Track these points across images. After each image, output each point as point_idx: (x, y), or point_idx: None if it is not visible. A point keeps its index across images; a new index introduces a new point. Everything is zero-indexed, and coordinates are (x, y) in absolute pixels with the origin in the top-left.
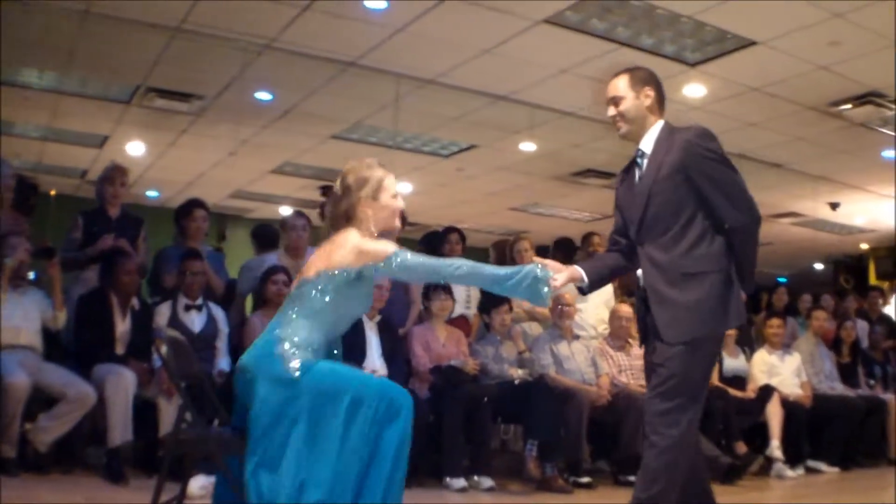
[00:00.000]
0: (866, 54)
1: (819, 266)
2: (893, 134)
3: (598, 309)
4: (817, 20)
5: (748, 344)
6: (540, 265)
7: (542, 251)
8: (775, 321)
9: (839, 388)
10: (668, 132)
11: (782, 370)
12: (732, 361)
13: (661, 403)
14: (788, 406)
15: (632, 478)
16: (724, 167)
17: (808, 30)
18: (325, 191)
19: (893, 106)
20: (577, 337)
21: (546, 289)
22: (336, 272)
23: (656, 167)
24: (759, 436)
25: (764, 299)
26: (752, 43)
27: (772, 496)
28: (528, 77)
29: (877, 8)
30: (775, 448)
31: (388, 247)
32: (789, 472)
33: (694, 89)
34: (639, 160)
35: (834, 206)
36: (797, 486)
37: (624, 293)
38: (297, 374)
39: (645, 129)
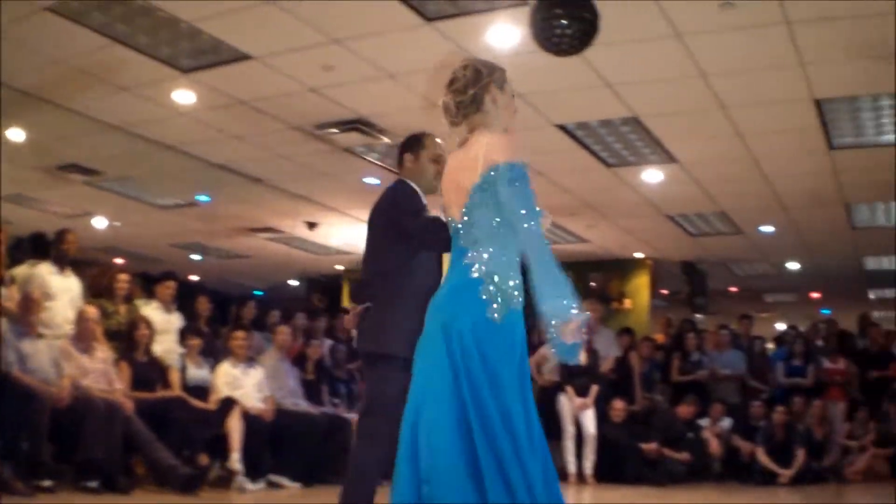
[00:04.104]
0: (358, 82)
1: (295, 283)
2: (377, 162)
3: (65, 308)
4: (314, 43)
5: (213, 355)
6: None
7: (19, 243)
8: (240, 333)
9: (303, 405)
10: None
11: (245, 383)
12: (196, 371)
13: None
14: (250, 419)
15: (92, 483)
16: None
17: (303, 51)
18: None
19: (379, 135)
20: (41, 335)
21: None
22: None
23: None
24: (220, 447)
25: (233, 311)
26: (247, 57)
27: None
28: (23, 64)
29: (378, 39)
30: (235, 461)
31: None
32: (250, 486)
33: (184, 95)
34: None
35: (312, 225)
36: (258, 499)
37: (92, 294)
38: None
39: None
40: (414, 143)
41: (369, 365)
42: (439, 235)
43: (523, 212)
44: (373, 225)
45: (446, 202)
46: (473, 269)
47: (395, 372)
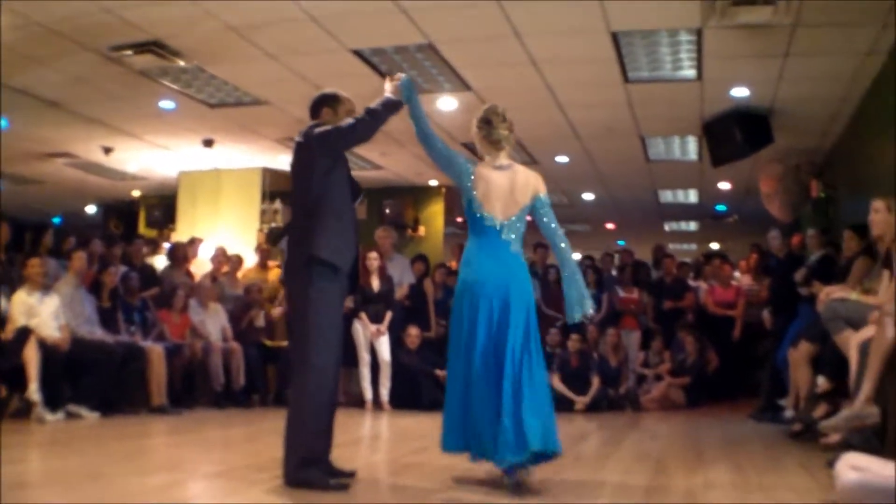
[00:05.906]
0: (152, 1)
1: (92, 209)
2: (171, 85)
3: None
4: None
5: (10, 283)
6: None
7: None
8: (36, 261)
9: (99, 333)
10: None
11: (41, 311)
12: None
13: None
14: (47, 349)
15: None
16: None
17: None
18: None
19: (174, 57)
20: None
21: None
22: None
23: None
24: (18, 378)
25: (29, 238)
26: None
27: (33, 440)
28: None
29: None
30: (34, 391)
31: None
32: (49, 416)
33: None
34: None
35: (107, 150)
36: (58, 430)
37: None
38: None
39: None
40: (332, 99)
41: (298, 276)
42: (366, 124)
43: (557, 228)
44: (295, 171)
45: (489, 202)
46: (521, 257)
47: (327, 279)
